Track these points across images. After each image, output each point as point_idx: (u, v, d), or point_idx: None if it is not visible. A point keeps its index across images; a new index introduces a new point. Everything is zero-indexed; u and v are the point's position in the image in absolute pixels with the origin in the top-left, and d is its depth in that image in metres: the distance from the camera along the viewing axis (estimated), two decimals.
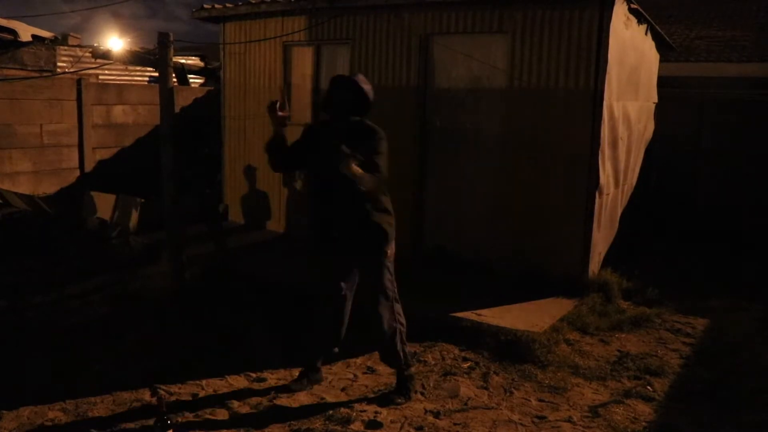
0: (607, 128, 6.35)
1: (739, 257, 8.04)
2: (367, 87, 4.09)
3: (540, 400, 4.32)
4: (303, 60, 8.07)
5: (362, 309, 4.30)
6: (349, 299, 4.29)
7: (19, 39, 10.64)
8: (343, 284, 4.22)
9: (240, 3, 8.33)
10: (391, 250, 4.15)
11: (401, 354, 4.23)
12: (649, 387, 4.55)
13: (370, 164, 3.90)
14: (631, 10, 6.55)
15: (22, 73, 9.41)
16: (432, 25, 6.93)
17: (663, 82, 9.07)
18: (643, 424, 4.06)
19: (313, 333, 4.44)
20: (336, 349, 4.45)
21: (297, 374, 4.48)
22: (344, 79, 4.16)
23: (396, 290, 4.22)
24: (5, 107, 8.53)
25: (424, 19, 6.96)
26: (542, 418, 4.08)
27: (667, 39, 8.60)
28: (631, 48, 7.00)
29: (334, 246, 4.17)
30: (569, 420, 4.07)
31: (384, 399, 4.23)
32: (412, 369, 4.41)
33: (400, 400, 4.21)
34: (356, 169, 3.78)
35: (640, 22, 7.11)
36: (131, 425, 3.84)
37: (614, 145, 6.76)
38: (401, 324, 4.23)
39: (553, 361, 4.86)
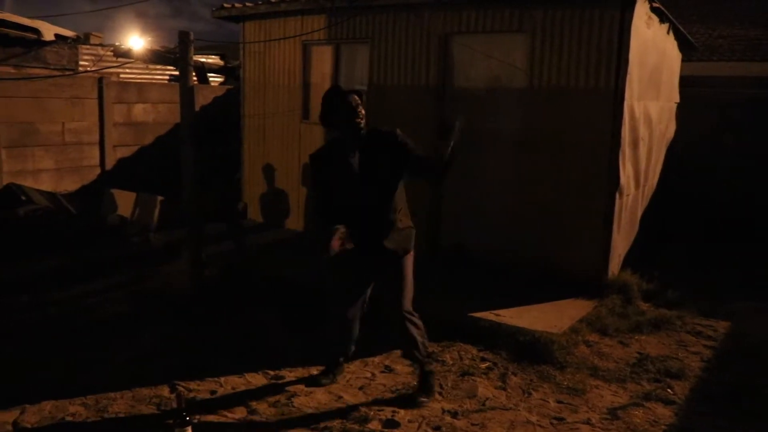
0: (628, 128, 6.30)
1: (762, 259, 7.93)
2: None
3: (558, 402, 4.30)
4: (322, 59, 8.09)
5: (379, 307, 4.30)
6: (362, 309, 4.30)
7: (42, 38, 10.76)
8: (363, 284, 4.23)
9: (260, 2, 8.36)
10: (412, 251, 4.16)
11: (423, 348, 4.21)
12: (669, 390, 4.51)
13: (417, 161, 3.96)
14: (653, 9, 6.49)
15: (45, 72, 9.51)
16: (451, 25, 6.91)
17: (685, 82, 8.99)
18: (663, 427, 4.02)
19: (332, 332, 4.44)
20: (353, 348, 4.45)
21: (315, 372, 4.50)
22: (342, 91, 4.12)
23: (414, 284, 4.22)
24: (28, 106, 8.63)
25: (443, 19, 6.94)
26: (560, 419, 4.06)
27: (690, 38, 8.51)
28: (653, 47, 6.94)
29: (360, 248, 4.09)
30: (588, 422, 4.04)
31: (408, 400, 4.18)
32: (433, 366, 4.39)
33: (424, 399, 4.17)
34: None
35: (662, 21, 7.05)
36: (150, 421, 3.87)
37: (635, 145, 6.70)
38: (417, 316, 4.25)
39: (572, 363, 4.83)
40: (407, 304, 4.14)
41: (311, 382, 4.44)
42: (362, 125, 4.01)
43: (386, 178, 4.00)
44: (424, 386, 4.26)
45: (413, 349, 4.21)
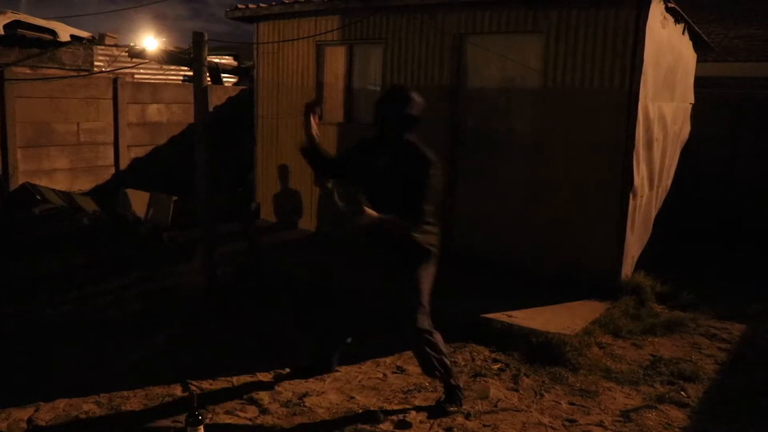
0: (642, 129, 6.26)
1: None
2: (418, 101, 3.97)
3: (571, 404, 4.28)
4: (336, 59, 8.10)
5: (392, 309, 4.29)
6: (375, 298, 4.28)
7: (58, 39, 10.86)
8: (375, 291, 4.22)
9: (274, 3, 8.39)
10: (432, 267, 4.06)
11: (441, 365, 4.08)
12: (682, 393, 4.48)
13: (412, 197, 3.80)
14: (668, 9, 6.45)
15: (61, 73, 9.59)
16: (465, 25, 6.90)
17: (701, 83, 8.92)
18: (677, 430, 3.99)
19: (333, 327, 4.48)
20: (348, 340, 4.49)
21: (326, 374, 4.52)
22: (397, 91, 4.08)
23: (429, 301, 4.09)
24: (44, 106, 8.71)
25: (457, 19, 6.94)
26: (573, 421, 4.04)
27: (705, 38, 8.45)
28: (668, 48, 6.89)
29: (374, 252, 4.09)
30: (600, 424, 4.02)
31: (436, 410, 4.08)
32: (455, 379, 4.22)
33: (452, 409, 4.07)
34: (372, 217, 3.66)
35: (677, 21, 7.00)
36: (163, 420, 3.89)
37: (649, 146, 6.66)
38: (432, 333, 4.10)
39: (585, 365, 4.81)
40: (420, 320, 3.98)
41: (297, 373, 4.48)
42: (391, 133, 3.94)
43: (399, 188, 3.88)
44: (451, 396, 4.14)
45: (431, 369, 4.08)
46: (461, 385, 4.26)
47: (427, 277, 4.04)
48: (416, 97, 3.97)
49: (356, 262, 4.27)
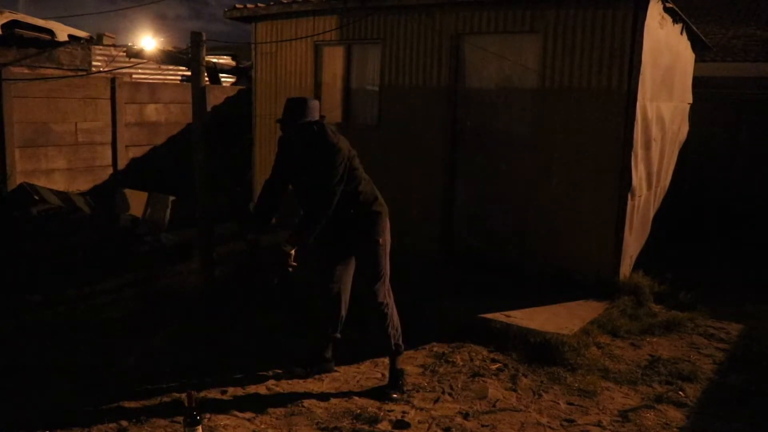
0: (640, 129, 6.27)
1: None
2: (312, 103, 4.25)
3: (569, 404, 4.28)
4: (334, 59, 8.10)
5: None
6: (347, 286, 4.43)
7: (56, 39, 10.85)
8: (338, 270, 4.38)
9: (272, 3, 8.38)
10: (383, 238, 4.27)
11: (391, 336, 4.31)
12: (681, 392, 4.48)
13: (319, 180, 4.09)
14: (666, 9, 6.46)
15: (59, 72, 9.57)
16: (463, 25, 6.90)
17: (699, 83, 8.92)
18: (675, 430, 3.99)
19: (320, 311, 4.57)
20: (337, 335, 4.55)
21: (323, 373, 4.52)
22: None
23: (389, 277, 4.33)
24: (42, 106, 8.69)
25: (455, 19, 6.94)
26: (571, 421, 4.04)
27: (703, 38, 8.46)
28: (666, 48, 6.90)
29: (327, 237, 4.32)
30: (599, 424, 4.02)
31: (378, 393, 4.29)
32: (401, 360, 4.44)
33: (395, 396, 4.24)
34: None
35: (675, 21, 7.01)
36: (161, 420, 3.89)
37: (647, 146, 6.66)
38: (393, 308, 4.36)
39: (583, 365, 4.81)
40: (376, 282, 4.24)
41: (288, 374, 4.52)
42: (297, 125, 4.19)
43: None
44: (394, 382, 4.34)
45: (386, 342, 4.32)
46: (404, 371, 4.43)
47: (383, 250, 4.27)
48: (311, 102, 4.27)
49: (317, 249, 4.48)
